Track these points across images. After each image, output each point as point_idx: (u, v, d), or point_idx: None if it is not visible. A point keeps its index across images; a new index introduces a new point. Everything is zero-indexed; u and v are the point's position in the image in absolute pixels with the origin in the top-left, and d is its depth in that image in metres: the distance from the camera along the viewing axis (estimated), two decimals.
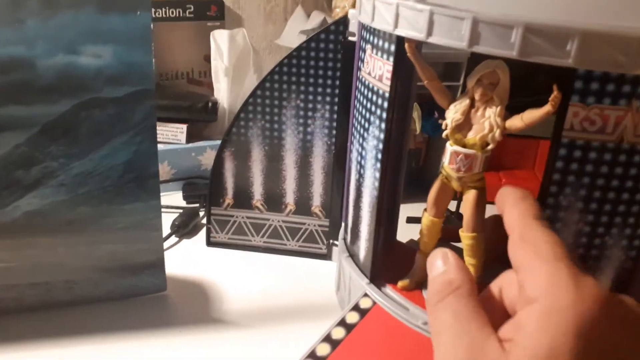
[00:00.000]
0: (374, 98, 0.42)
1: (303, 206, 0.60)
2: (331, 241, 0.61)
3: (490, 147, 0.35)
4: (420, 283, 0.44)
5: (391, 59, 0.40)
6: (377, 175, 0.44)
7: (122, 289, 0.51)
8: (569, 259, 0.23)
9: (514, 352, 0.22)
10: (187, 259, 0.60)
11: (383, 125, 0.42)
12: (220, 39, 0.79)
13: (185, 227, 0.64)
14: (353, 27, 0.50)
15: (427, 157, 0.80)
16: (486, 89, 0.34)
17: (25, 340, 0.46)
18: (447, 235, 0.45)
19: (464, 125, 0.36)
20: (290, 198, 0.60)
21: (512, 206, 0.26)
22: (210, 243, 0.63)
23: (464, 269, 0.26)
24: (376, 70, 0.42)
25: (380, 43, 0.41)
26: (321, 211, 0.60)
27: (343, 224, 0.56)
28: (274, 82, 0.54)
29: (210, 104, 0.77)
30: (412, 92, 0.43)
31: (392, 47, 0.39)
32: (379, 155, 0.43)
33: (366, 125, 0.44)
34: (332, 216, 0.59)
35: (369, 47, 0.43)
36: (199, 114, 0.77)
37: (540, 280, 0.22)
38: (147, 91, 0.45)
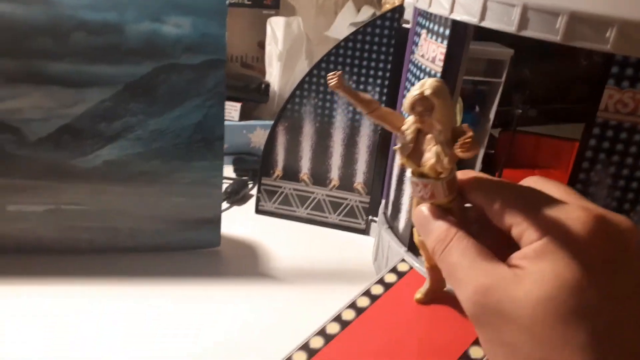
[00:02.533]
0: (426, 78, 0.46)
1: (346, 182, 0.64)
2: (370, 217, 0.65)
3: (444, 175, 0.30)
4: (434, 292, 0.42)
5: (445, 42, 0.44)
6: None
7: (181, 240, 0.56)
8: (550, 200, 0.26)
9: (526, 272, 0.24)
10: (237, 223, 0.65)
11: None
12: (276, 25, 0.84)
13: (236, 195, 0.69)
14: (408, 15, 0.54)
15: None
16: (422, 116, 0.29)
17: (94, 278, 0.51)
18: None
19: (416, 152, 0.31)
20: (335, 174, 0.64)
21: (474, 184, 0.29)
22: (258, 210, 0.68)
23: (452, 219, 0.29)
24: (430, 52, 0.46)
25: (436, 28, 0.45)
26: (363, 188, 0.64)
27: (384, 200, 0.60)
28: (329, 63, 0.58)
29: (263, 86, 0.82)
30: (460, 73, 0.47)
31: (447, 31, 0.43)
32: None
33: None
34: (373, 193, 0.64)
35: (424, 31, 0.47)
36: (252, 94, 0.82)
37: (537, 224, 0.25)
38: (220, 61, 0.50)
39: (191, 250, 0.57)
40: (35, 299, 0.48)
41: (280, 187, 0.67)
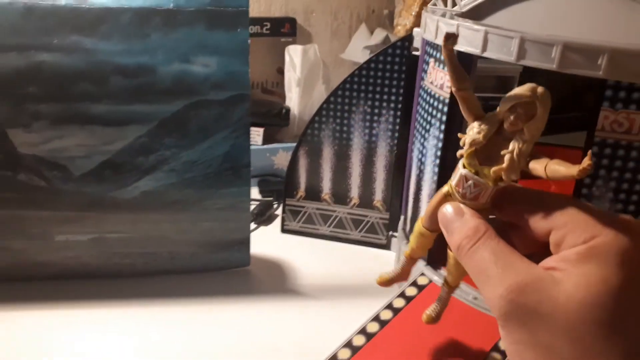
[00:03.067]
0: (435, 104, 0.50)
1: (366, 200, 0.68)
2: (390, 232, 0.68)
3: (502, 183, 0.29)
4: (397, 280, 0.41)
5: None
6: (436, 170, 0.51)
7: (214, 261, 0.60)
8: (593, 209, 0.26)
9: (568, 274, 0.24)
10: (264, 242, 0.69)
11: (442, 127, 0.49)
12: (294, 53, 0.88)
13: (262, 216, 0.73)
14: (417, 43, 0.58)
15: None
16: (518, 119, 0.28)
17: (136, 300, 0.56)
18: None
19: (483, 150, 0.30)
20: (354, 193, 0.68)
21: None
22: (284, 230, 0.72)
23: (481, 218, 0.28)
24: (438, 80, 0.50)
25: (442, 56, 0.49)
26: (382, 205, 0.67)
27: (402, 216, 0.63)
28: (345, 90, 0.62)
29: (284, 111, 0.87)
30: None
31: None
32: (438, 153, 0.50)
33: (427, 127, 0.52)
34: (392, 210, 0.67)
35: (432, 60, 0.51)
36: (274, 119, 0.87)
37: (581, 228, 0.24)
38: (244, 95, 0.55)
39: (224, 270, 0.61)
40: (81, 322, 0.52)
41: (304, 207, 0.70)
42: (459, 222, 0.29)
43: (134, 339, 0.50)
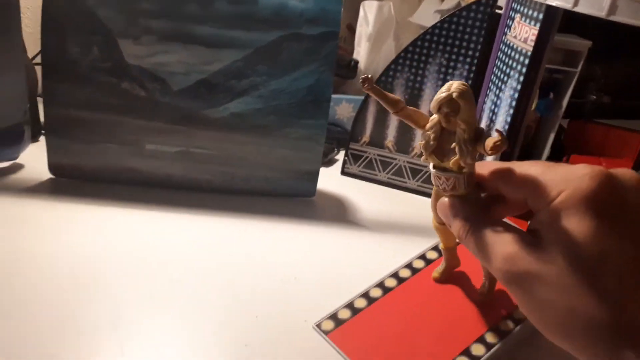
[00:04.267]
0: (517, 56, 0.53)
1: None
2: None
3: (466, 169, 0.33)
4: (449, 271, 0.47)
5: (537, 24, 0.50)
6: (509, 119, 0.54)
7: (284, 188, 0.64)
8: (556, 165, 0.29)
9: (545, 233, 0.27)
10: (325, 181, 0.73)
11: (521, 78, 0.52)
12: (369, 8, 0.91)
13: (324, 157, 0.78)
14: (502, 1, 0.61)
15: (536, 135, 0.89)
16: (448, 115, 0.32)
17: (210, 213, 0.61)
18: None
19: (440, 149, 0.33)
20: (418, 143, 0.71)
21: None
22: (344, 172, 0.76)
23: (470, 206, 0.33)
24: (522, 34, 0.53)
25: (529, 12, 0.51)
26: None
27: None
28: (425, 41, 0.65)
29: (352, 63, 0.90)
30: (547, 53, 0.53)
31: (540, 15, 0.50)
32: (513, 103, 0.54)
33: (505, 79, 0.55)
34: None
35: (518, 15, 0.54)
36: (342, 70, 0.90)
37: (547, 190, 0.28)
38: (334, 33, 0.58)
39: (291, 198, 0.65)
40: (159, 225, 0.57)
41: (366, 152, 0.74)
42: (455, 213, 0.33)
43: (203, 245, 0.55)
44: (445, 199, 0.34)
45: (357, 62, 0.91)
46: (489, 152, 0.30)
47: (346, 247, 0.58)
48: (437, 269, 0.47)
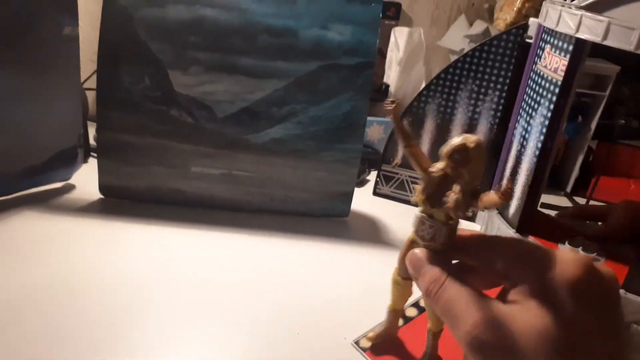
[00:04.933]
0: (547, 85, 0.55)
1: None
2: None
3: (452, 222, 0.33)
4: (387, 336, 0.45)
5: (567, 56, 0.52)
6: (539, 145, 0.57)
7: (320, 208, 0.67)
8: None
9: (525, 307, 0.27)
10: (358, 201, 0.75)
11: (552, 106, 0.55)
12: (399, 34, 0.94)
13: (357, 178, 0.80)
14: (531, 31, 0.63)
15: (564, 157, 0.91)
16: (457, 164, 0.32)
17: (252, 232, 0.64)
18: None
19: (435, 196, 0.33)
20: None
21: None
22: (375, 193, 0.78)
23: (444, 263, 0.32)
24: (552, 64, 0.55)
25: (559, 43, 0.54)
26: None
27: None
28: (456, 68, 0.68)
29: (383, 87, 0.93)
30: (576, 82, 0.55)
31: (570, 47, 0.52)
32: (544, 130, 0.56)
33: (535, 106, 0.57)
34: (482, 186, 0.72)
35: (548, 46, 0.56)
36: (373, 94, 0.93)
37: (532, 268, 0.28)
38: (370, 63, 0.61)
39: (326, 218, 0.68)
40: (203, 244, 0.61)
41: (398, 173, 0.77)
42: (425, 268, 0.31)
43: (243, 263, 0.58)
44: (418, 250, 0.33)
45: (387, 86, 0.94)
46: (499, 196, 0.29)
47: (381, 266, 0.60)
48: (374, 330, 0.45)
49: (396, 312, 0.44)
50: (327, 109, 0.62)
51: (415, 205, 0.35)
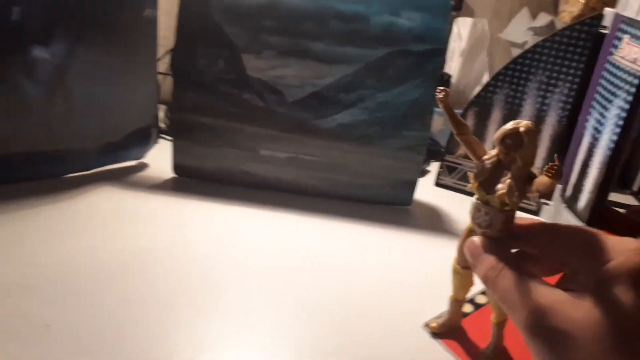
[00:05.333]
0: (624, 76, 0.54)
1: None
2: (541, 200, 0.73)
3: (508, 208, 0.32)
4: (450, 326, 0.45)
5: None
6: (615, 138, 0.55)
7: (384, 196, 0.68)
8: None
9: (586, 296, 0.26)
10: (419, 191, 0.76)
11: (629, 98, 0.53)
12: (462, 24, 0.94)
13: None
14: (606, 21, 0.62)
15: (632, 155, 0.88)
16: (509, 149, 0.31)
17: (317, 216, 0.65)
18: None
19: (489, 183, 0.33)
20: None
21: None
22: (437, 183, 0.78)
23: (502, 250, 0.31)
24: (631, 54, 0.54)
25: (629, 37, 0.53)
26: (539, 173, 0.72)
27: (560, 185, 0.67)
28: (526, 58, 0.67)
29: (445, 77, 0.93)
30: None
31: None
32: (620, 122, 0.55)
33: (611, 98, 0.56)
34: None
35: (626, 36, 0.55)
36: None
37: (596, 257, 0.27)
38: (440, 49, 0.61)
39: (389, 206, 0.69)
40: (268, 224, 0.62)
41: (461, 164, 0.77)
42: (482, 256, 0.31)
43: (308, 245, 0.59)
44: (476, 238, 0.33)
45: (449, 77, 0.94)
46: (545, 174, 0.29)
47: (444, 255, 0.61)
48: (436, 320, 0.46)
49: (458, 301, 0.44)
50: (395, 96, 0.63)
51: (470, 191, 0.35)
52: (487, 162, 0.33)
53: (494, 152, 0.33)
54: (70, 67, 0.59)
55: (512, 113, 0.70)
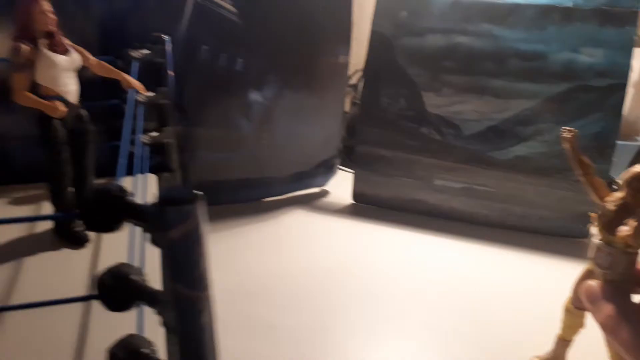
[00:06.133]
0: None
1: None
2: None
3: (631, 250, 0.31)
4: None
5: None
6: None
7: (559, 228, 0.70)
8: None
9: None
10: None
11: None
12: (636, 56, 0.91)
13: None
14: None
15: None
16: (637, 191, 0.30)
17: (487, 245, 0.67)
18: None
19: (614, 224, 0.31)
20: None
21: None
22: None
23: (622, 297, 0.29)
24: None
25: None
26: None
27: None
28: None
29: None
30: None
31: None
32: None
33: None
34: None
35: None
36: None
37: None
38: (622, 85, 0.63)
39: (562, 237, 0.69)
40: (439, 251, 0.66)
41: None
42: (600, 302, 0.29)
43: (475, 273, 0.61)
44: (594, 282, 0.31)
45: None
46: None
47: None
48: (539, 356, 0.43)
49: (565, 341, 0.43)
50: (576, 129, 0.64)
51: (592, 231, 0.35)
52: (612, 203, 0.32)
53: (619, 194, 0.32)
54: (277, 107, 0.69)
55: None
